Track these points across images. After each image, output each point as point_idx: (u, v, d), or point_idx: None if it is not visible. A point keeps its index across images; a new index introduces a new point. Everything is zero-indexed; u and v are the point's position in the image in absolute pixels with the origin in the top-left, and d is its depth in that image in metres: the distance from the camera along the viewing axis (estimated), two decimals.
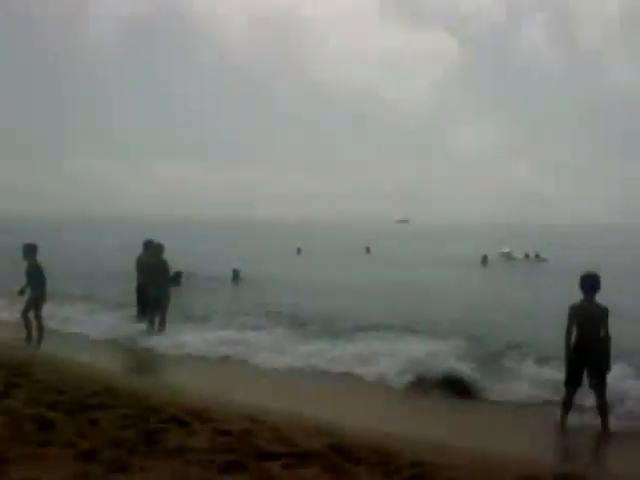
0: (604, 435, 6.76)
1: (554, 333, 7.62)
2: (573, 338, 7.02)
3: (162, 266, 12.12)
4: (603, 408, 6.91)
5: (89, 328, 12.28)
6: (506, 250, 37.83)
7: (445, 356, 9.36)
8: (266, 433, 5.28)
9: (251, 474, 4.23)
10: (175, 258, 12.44)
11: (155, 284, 12.01)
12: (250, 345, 10.56)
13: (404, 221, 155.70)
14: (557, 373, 7.58)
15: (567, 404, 7.06)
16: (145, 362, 10.56)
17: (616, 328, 7.10)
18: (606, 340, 6.99)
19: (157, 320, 12.03)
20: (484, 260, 33.66)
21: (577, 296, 7.13)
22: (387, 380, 8.80)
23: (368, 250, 42.19)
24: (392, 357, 9.39)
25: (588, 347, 6.93)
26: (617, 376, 7.35)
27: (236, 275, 22.01)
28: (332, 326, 12.32)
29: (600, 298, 7.03)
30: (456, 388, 8.39)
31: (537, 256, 35.78)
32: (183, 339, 11.04)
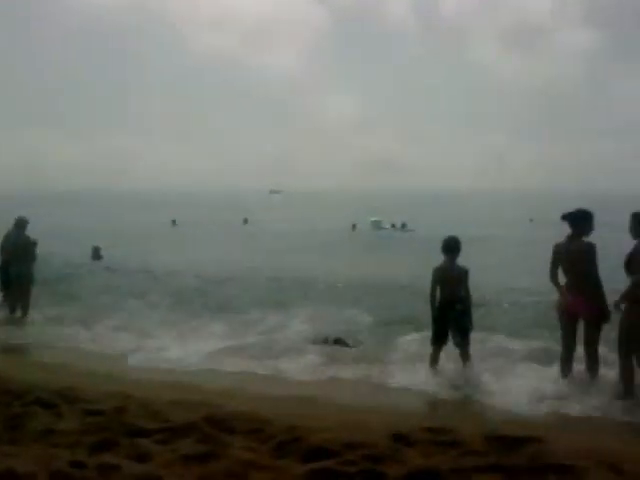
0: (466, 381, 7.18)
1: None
2: (437, 298, 7.44)
3: (24, 243, 11.33)
4: (467, 359, 7.43)
5: None
6: (375, 219, 38.98)
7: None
8: (139, 410, 5.16)
9: (122, 451, 4.14)
10: (36, 234, 11.62)
11: (16, 263, 11.22)
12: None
13: (277, 191, 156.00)
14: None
15: (434, 360, 7.53)
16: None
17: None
18: (467, 299, 7.45)
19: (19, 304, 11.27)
20: (354, 228, 34.61)
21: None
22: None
23: (245, 221, 42.06)
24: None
25: (450, 306, 7.37)
26: None
27: (96, 253, 20.10)
28: (230, 303, 12.33)
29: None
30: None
31: (403, 226, 37.07)
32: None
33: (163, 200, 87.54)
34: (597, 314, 6.70)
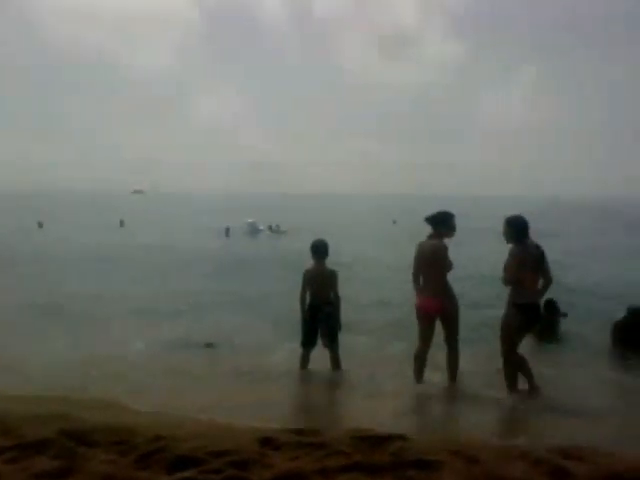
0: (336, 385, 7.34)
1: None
2: (307, 300, 7.54)
3: None
4: (336, 361, 7.59)
5: None
6: (249, 221, 38.90)
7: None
8: None
9: None
10: None
11: None
12: None
13: (140, 192, 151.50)
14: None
15: (304, 362, 7.64)
16: None
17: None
18: (336, 301, 7.59)
19: None
20: (227, 232, 34.32)
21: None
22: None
23: (122, 223, 40.59)
24: None
25: (319, 308, 7.48)
26: None
27: None
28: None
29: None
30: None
31: (277, 227, 37.32)
32: None
33: (23, 200, 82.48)
34: (453, 311, 7.09)
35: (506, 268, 6.69)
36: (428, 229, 7.20)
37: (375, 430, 4.63)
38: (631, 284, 14.35)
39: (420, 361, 7.20)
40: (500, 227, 6.86)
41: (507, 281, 6.69)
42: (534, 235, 6.82)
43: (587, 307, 11.72)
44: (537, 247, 6.75)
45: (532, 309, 6.73)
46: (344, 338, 7.84)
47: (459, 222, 7.30)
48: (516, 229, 6.75)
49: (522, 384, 6.87)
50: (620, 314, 9.25)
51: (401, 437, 4.55)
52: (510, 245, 6.76)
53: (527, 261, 6.63)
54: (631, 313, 9.07)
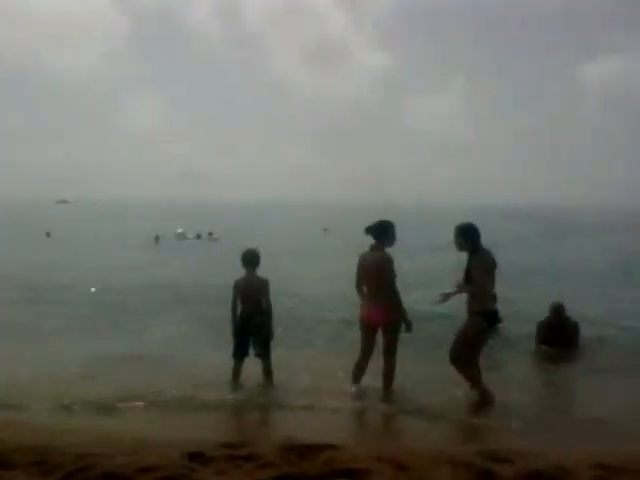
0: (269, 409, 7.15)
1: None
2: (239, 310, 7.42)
3: None
4: (268, 372, 7.50)
5: None
6: (180, 230, 38.46)
7: None
8: None
9: None
10: None
11: None
12: None
13: (64, 201, 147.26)
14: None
15: (236, 374, 7.49)
16: None
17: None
18: (268, 310, 7.52)
19: None
20: (157, 240, 33.75)
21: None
22: None
23: (48, 234, 39.21)
24: None
25: (251, 318, 7.40)
26: None
27: None
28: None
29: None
30: None
31: (210, 234, 37.04)
32: None
33: None
34: (394, 323, 6.97)
35: (474, 278, 6.63)
36: (361, 235, 7.12)
37: (304, 440, 4.62)
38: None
39: (359, 371, 7.17)
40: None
41: (476, 291, 6.64)
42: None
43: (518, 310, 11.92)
44: (489, 252, 6.77)
45: (495, 315, 6.81)
46: (277, 349, 7.78)
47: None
48: (471, 237, 6.76)
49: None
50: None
51: (331, 446, 4.56)
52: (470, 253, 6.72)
53: (490, 268, 6.67)
54: (553, 311, 9.40)
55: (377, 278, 6.94)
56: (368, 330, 7.11)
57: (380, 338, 7.13)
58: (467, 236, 6.79)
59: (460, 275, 6.76)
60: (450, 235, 6.91)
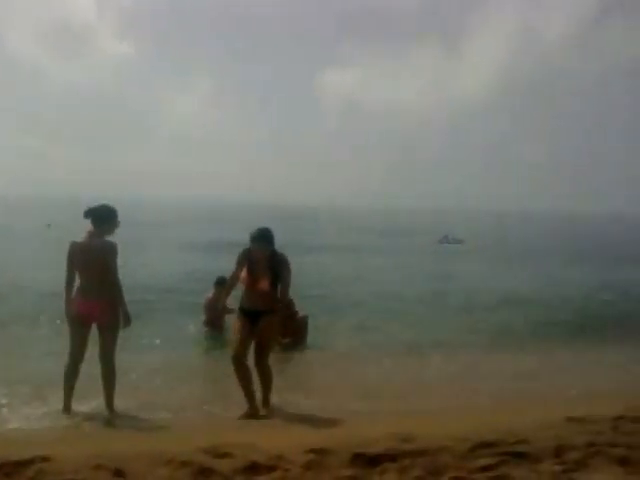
0: None
1: None
2: None
3: None
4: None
5: None
6: None
7: None
8: None
9: None
10: None
11: None
12: None
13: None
14: None
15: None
16: None
17: None
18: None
19: None
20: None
21: None
22: None
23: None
24: None
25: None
26: None
27: None
28: None
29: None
30: None
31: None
32: None
33: None
34: (113, 319, 6.30)
35: (285, 280, 6.49)
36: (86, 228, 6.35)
37: (9, 457, 4.24)
38: None
39: (70, 381, 6.39)
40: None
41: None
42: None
43: None
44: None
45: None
46: None
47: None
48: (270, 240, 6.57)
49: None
50: None
51: (44, 459, 4.27)
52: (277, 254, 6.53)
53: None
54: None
55: (93, 268, 6.20)
56: (80, 327, 6.30)
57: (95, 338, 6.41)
58: (268, 240, 6.56)
59: None
60: None
